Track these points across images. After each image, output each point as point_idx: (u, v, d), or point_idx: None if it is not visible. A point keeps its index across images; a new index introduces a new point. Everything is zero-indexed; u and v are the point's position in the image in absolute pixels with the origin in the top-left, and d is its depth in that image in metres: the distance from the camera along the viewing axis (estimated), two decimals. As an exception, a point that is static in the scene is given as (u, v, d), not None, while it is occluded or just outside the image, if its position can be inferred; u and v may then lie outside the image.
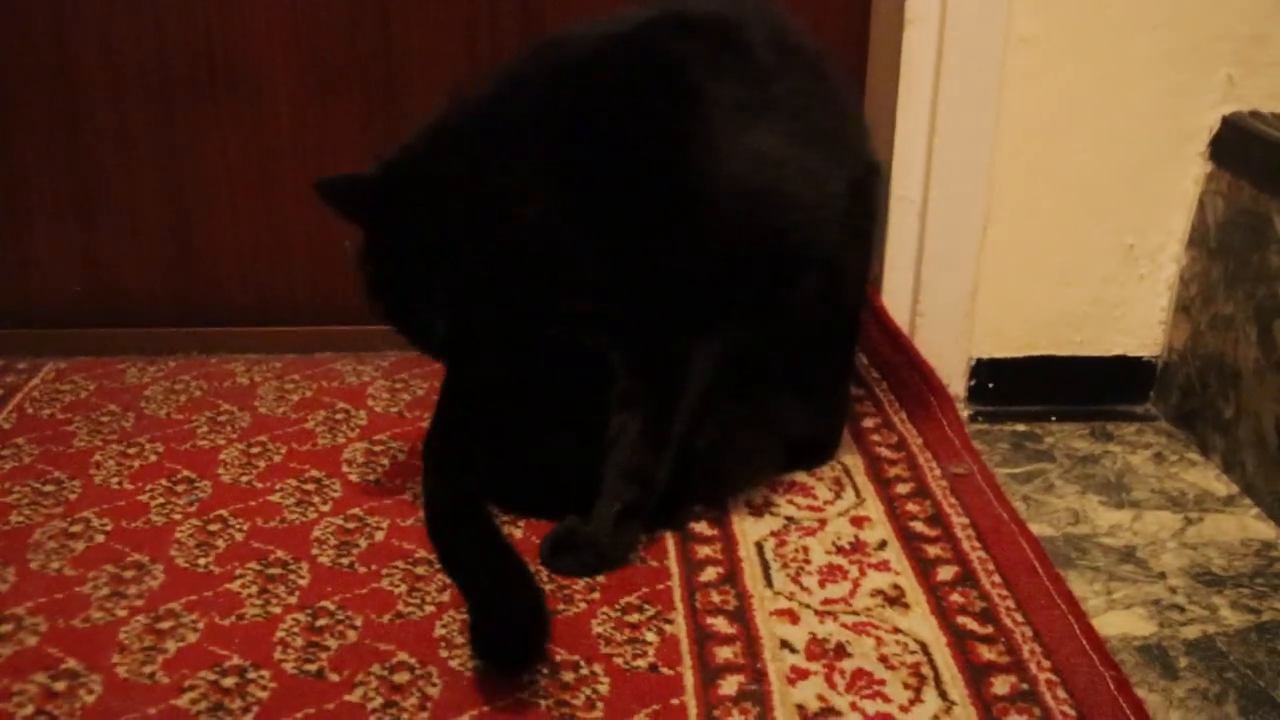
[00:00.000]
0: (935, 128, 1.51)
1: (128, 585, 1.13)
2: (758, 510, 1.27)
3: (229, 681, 1.00)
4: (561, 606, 1.10)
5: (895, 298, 1.60)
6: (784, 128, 1.16)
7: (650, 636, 1.06)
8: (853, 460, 1.38)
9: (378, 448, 1.40)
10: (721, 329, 1.16)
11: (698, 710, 0.97)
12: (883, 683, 1.01)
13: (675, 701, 0.98)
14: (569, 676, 1.01)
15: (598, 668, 1.02)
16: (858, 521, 1.25)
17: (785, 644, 1.05)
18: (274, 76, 1.60)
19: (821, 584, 1.15)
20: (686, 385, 1.16)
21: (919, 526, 1.24)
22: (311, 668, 1.02)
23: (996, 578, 1.15)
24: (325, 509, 1.26)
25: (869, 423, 1.46)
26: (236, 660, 1.02)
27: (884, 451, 1.40)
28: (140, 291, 1.68)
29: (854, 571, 1.17)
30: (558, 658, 1.03)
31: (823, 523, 1.25)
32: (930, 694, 1.00)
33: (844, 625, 1.08)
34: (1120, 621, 1.15)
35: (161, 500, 1.28)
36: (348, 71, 1.60)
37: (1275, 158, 1.40)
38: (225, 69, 1.59)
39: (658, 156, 1.12)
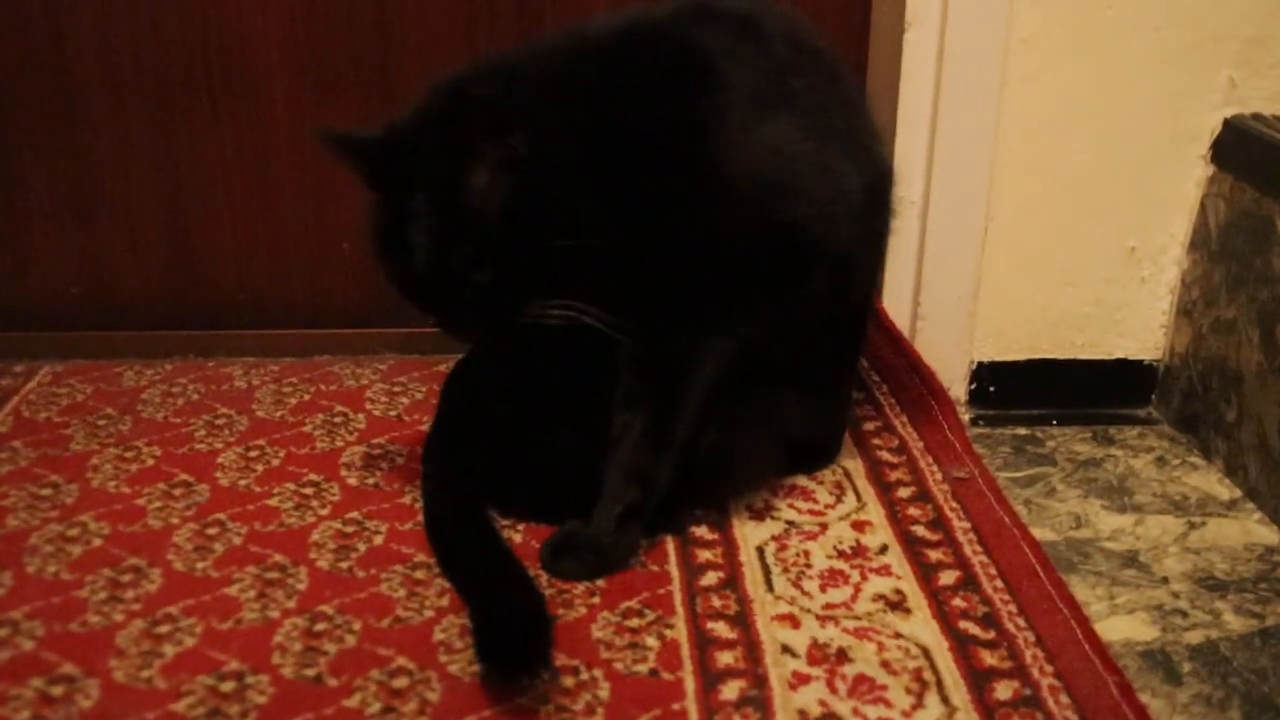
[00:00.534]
0: (936, 129, 1.51)
1: (125, 589, 1.12)
2: (758, 514, 1.26)
3: (227, 686, 0.99)
4: (561, 611, 1.09)
5: (896, 300, 1.60)
6: (800, 122, 1.16)
7: (651, 641, 1.06)
8: (853, 464, 1.37)
9: (376, 451, 1.39)
10: (730, 328, 1.16)
11: (699, 715, 0.97)
12: (884, 688, 1.00)
13: (676, 707, 0.97)
14: (569, 681, 1.00)
15: (598, 673, 1.01)
16: (859, 526, 1.25)
17: (786, 649, 1.05)
18: (271, 77, 1.59)
19: (823, 588, 1.14)
20: (692, 386, 1.16)
21: (920, 531, 1.24)
22: (310, 672, 1.01)
23: (998, 582, 1.15)
24: (324, 513, 1.26)
25: (870, 426, 1.46)
26: (234, 665, 1.02)
27: (885, 455, 1.39)
28: (137, 294, 1.67)
29: (855, 576, 1.16)
30: (558, 662, 1.02)
31: (824, 527, 1.25)
32: (932, 699, 0.99)
33: (845, 630, 1.08)
34: (1123, 626, 1.15)
35: (159, 504, 1.27)
36: (345, 71, 1.60)
37: (1277, 160, 1.39)
38: (222, 69, 1.59)
39: (673, 138, 1.12)
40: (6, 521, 1.23)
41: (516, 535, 1.22)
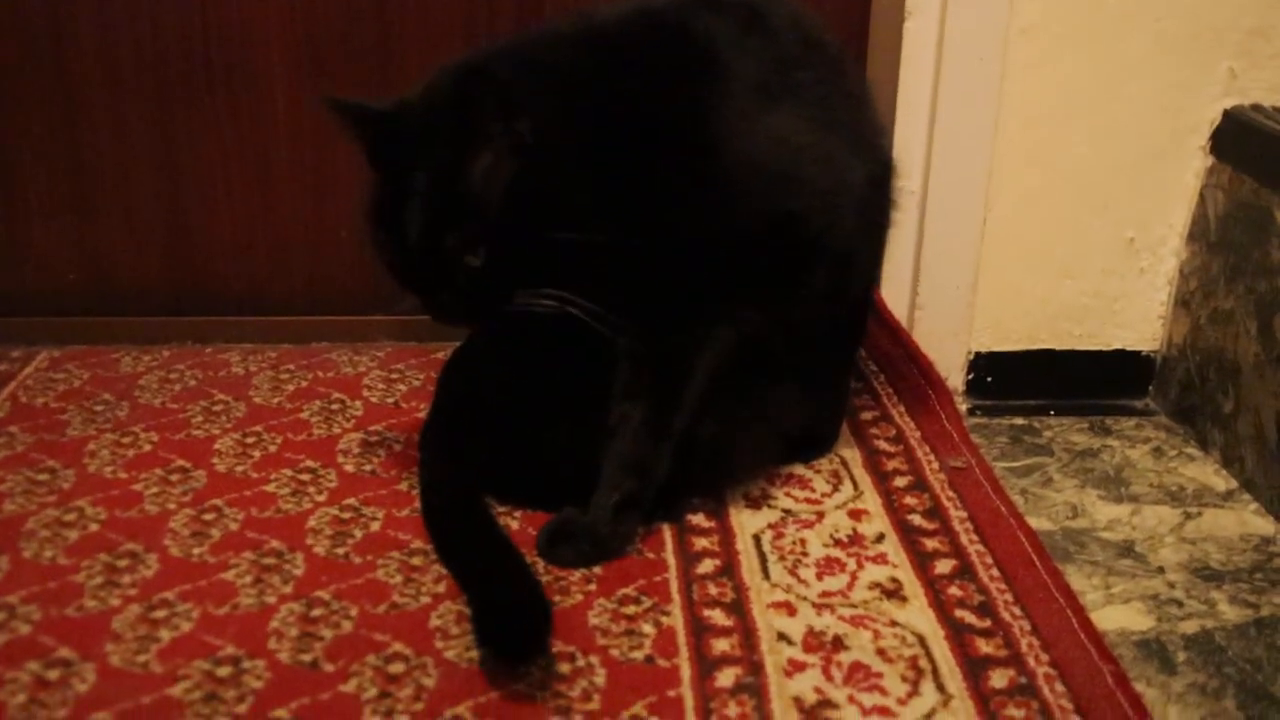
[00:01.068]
0: (935, 119, 1.50)
1: (121, 574, 1.12)
2: (755, 502, 1.27)
3: (223, 671, 0.99)
4: (558, 598, 1.09)
5: (894, 290, 1.60)
6: (805, 114, 1.16)
7: (647, 628, 1.06)
8: (850, 453, 1.37)
9: (373, 438, 1.39)
10: (732, 318, 1.16)
11: (694, 702, 0.97)
12: (880, 675, 1.00)
13: (672, 693, 0.98)
14: (565, 668, 1.00)
15: (594, 659, 1.02)
16: (855, 514, 1.25)
17: (782, 636, 1.05)
18: (270, 68, 1.59)
19: (819, 576, 1.14)
20: (693, 376, 1.16)
21: (917, 520, 1.24)
22: (306, 658, 1.01)
23: (995, 571, 1.15)
24: (320, 499, 1.26)
25: (867, 415, 1.46)
26: (231, 650, 1.02)
27: (882, 444, 1.39)
28: (135, 281, 1.67)
29: (851, 564, 1.16)
30: (554, 649, 1.02)
31: (820, 515, 1.25)
32: (928, 687, 0.99)
33: (841, 618, 1.08)
34: (1118, 616, 1.15)
35: (156, 489, 1.27)
36: (344, 64, 1.59)
37: (1277, 152, 1.39)
38: (221, 60, 1.59)
39: (677, 125, 1.12)
40: (3, 506, 1.23)
41: (514, 522, 1.22)
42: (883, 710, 0.96)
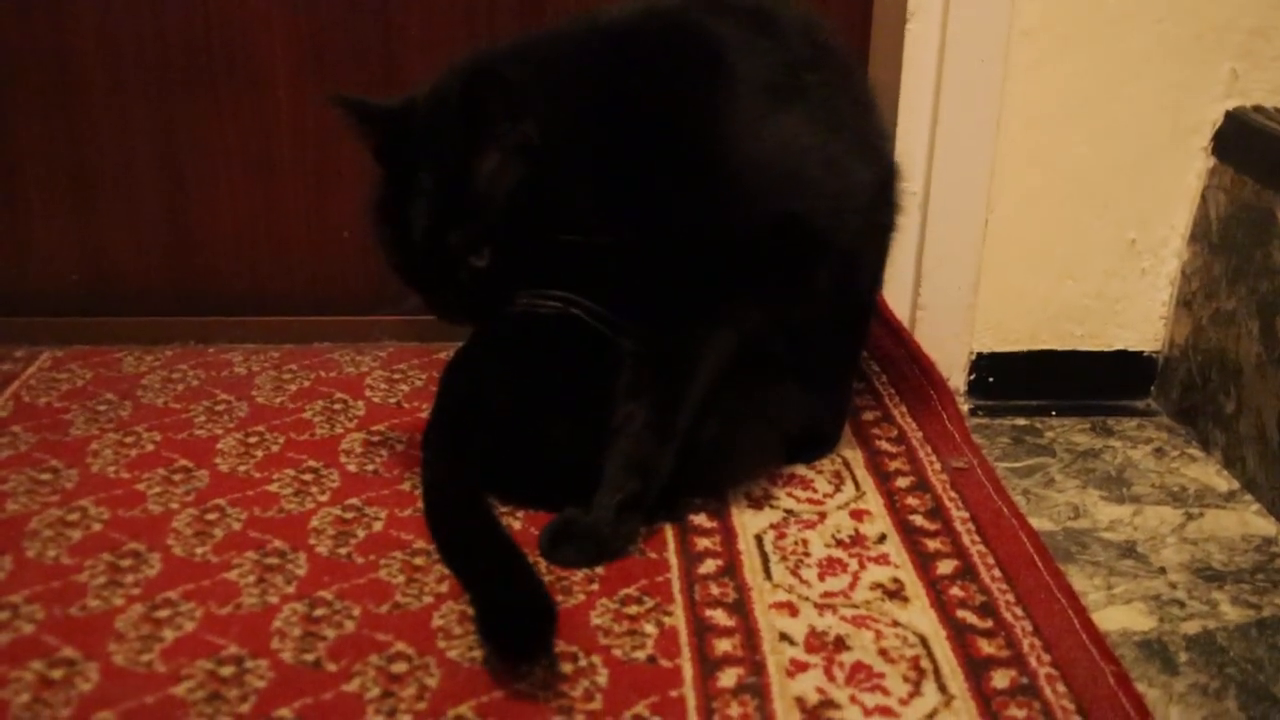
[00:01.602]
0: (937, 120, 1.51)
1: (125, 574, 1.12)
2: (757, 503, 1.27)
3: (226, 671, 0.99)
4: (560, 598, 1.10)
5: (896, 291, 1.60)
6: (812, 116, 1.17)
7: (649, 628, 1.06)
8: (852, 453, 1.37)
9: (376, 438, 1.40)
10: (735, 318, 1.16)
11: (696, 702, 0.97)
12: (882, 676, 1.01)
13: (674, 694, 0.98)
14: (567, 668, 1.00)
15: (596, 659, 1.02)
16: (857, 515, 1.25)
17: (784, 637, 1.05)
18: (273, 64, 1.59)
19: (821, 577, 1.14)
20: (697, 377, 1.16)
21: (919, 520, 1.24)
22: (309, 657, 1.01)
23: (996, 572, 1.15)
24: (323, 499, 1.26)
25: (869, 416, 1.46)
26: (234, 649, 1.02)
27: (884, 445, 1.39)
28: (137, 280, 1.67)
29: (853, 565, 1.16)
30: (556, 649, 1.02)
31: (822, 516, 1.25)
32: (930, 687, 0.99)
33: (843, 618, 1.08)
34: (1120, 616, 1.15)
35: (159, 489, 1.27)
36: (347, 62, 1.59)
37: (1278, 153, 1.39)
38: (224, 56, 1.59)
39: (683, 126, 1.12)
40: (6, 506, 1.23)
41: (516, 522, 1.22)
42: (885, 710, 0.97)
